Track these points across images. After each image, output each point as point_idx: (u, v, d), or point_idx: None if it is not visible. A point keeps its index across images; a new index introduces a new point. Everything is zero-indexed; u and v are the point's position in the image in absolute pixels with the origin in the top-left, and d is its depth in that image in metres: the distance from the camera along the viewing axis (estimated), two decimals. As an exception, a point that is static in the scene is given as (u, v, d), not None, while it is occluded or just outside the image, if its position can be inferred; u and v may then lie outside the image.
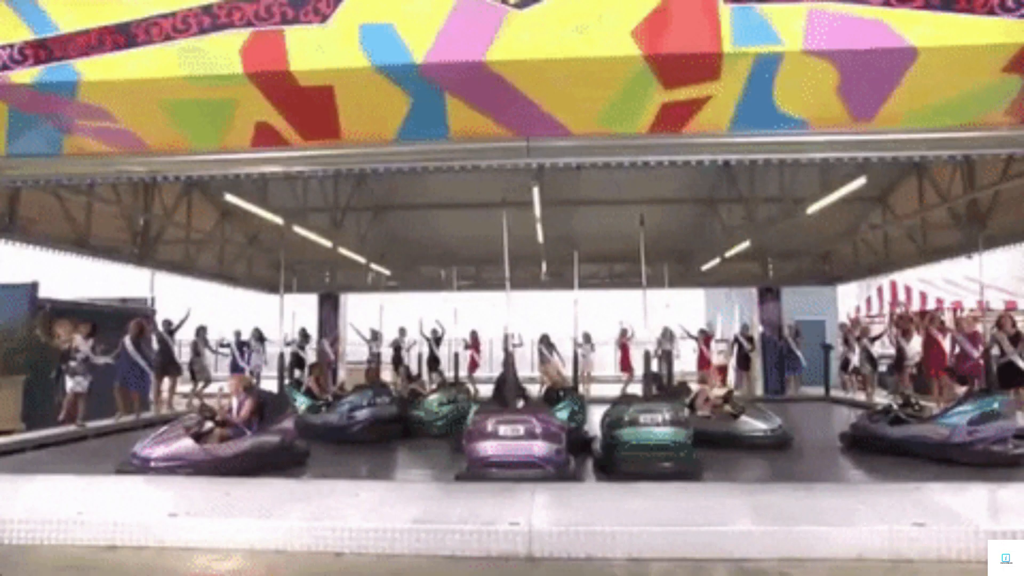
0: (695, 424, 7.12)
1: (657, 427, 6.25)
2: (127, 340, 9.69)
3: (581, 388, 11.34)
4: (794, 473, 6.53)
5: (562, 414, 7.17)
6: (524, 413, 6.09)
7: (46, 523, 4.36)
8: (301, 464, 7.06)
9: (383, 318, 13.88)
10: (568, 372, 10.30)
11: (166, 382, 11.28)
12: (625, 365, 15.10)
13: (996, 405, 6.75)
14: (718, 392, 8.80)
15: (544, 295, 15.14)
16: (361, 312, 16.26)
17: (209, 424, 6.71)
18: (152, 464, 6.14)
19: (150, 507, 4.61)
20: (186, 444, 6.30)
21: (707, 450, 6.91)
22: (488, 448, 5.71)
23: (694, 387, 8.99)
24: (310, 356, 14.25)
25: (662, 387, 8.60)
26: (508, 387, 6.76)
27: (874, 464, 6.99)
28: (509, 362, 6.98)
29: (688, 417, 7.26)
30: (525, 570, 3.89)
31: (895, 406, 7.62)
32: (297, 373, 13.00)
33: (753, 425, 8.05)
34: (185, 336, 12.02)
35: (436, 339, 14.82)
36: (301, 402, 9.59)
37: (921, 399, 8.39)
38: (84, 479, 5.59)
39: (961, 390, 10.26)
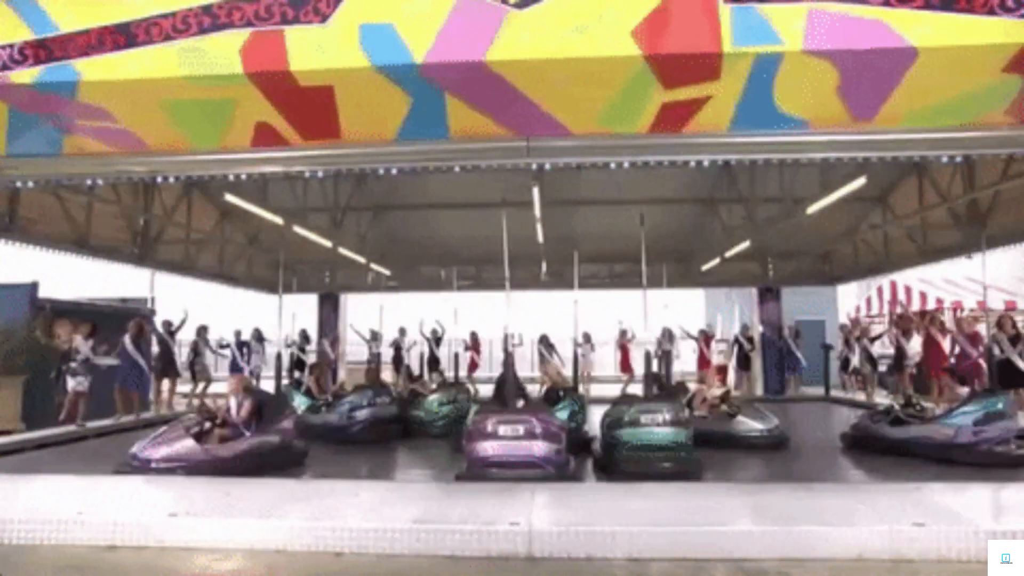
0: (692, 424, 7.11)
1: (658, 427, 6.26)
2: (127, 340, 9.74)
3: (581, 388, 11.34)
4: (794, 473, 6.52)
5: (562, 414, 7.17)
6: (524, 413, 6.07)
7: (46, 523, 4.36)
8: (300, 464, 7.02)
9: (383, 318, 13.88)
10: (568, 372, 10.30)
11: (165, 383, 11.28)
12: (625, 366, 15.09)
13: (1000, 405, 6.71)
14: (716, 392, 8.80)
15: (544, 295, 15.13)
16: (361, 312, 16.27)
17: (208, 425, 6.71)
18: (153, 465, 6.12)
19: (150, 507, 4.61)
20: (187, 444, 6.29)
21: (704, 450, 6.84)
22: (488, 448, 5.70)
23: (692, 387, 9.00)
24: (310, 357, 14.21)
25: (662, 387, 8.61)
26: (508, 387, 6.76)
27: (874, 464, 6.97)
28: (509, 362, 6.98)
29: (687, 417, 7.29)
30: (525, 570, 3.88)
31: (896, 406, 7.62)
32: (297, 374, 13.00)
33: (749, 425, 8.03)
34: (185, 336, 12.04)
35: (436, 339, 14.85)
36: (300, 402, 9.55)
37: (922, 399, 8.41)
38: (84, 479, 5.59)
39: (963, 390, 10.26)
